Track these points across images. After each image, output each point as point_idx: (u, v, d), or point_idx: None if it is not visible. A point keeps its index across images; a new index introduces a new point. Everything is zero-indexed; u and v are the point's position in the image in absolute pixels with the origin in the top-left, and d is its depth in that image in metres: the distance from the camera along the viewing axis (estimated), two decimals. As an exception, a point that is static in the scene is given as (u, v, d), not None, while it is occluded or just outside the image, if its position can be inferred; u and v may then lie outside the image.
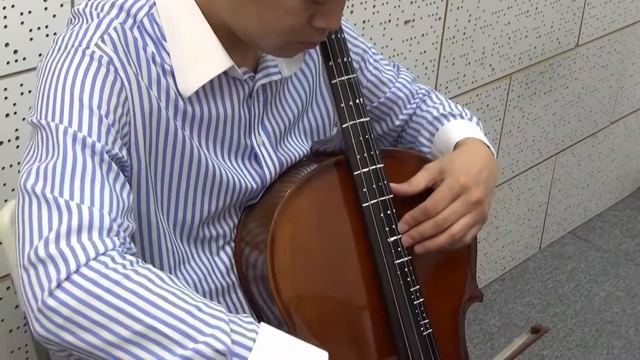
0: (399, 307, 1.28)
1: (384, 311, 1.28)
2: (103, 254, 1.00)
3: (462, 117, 1.45)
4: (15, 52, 1.52)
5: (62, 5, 1.55)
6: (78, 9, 1.20)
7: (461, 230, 1.27)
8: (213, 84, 1.21)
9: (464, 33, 2.41)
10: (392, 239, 1.27)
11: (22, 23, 1.51)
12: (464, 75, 2.49)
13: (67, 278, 0.98)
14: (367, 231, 1.27)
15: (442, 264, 1.37)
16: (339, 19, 1.18)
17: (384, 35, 2.17)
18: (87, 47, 1.13)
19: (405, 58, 2.26)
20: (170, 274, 1.25)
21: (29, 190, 1.05)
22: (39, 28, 1.53)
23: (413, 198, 1.29)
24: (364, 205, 1.26)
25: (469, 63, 2.48)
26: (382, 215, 1.27)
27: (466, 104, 2.52)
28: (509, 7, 2.53)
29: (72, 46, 1.13)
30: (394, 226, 1.27)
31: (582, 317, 2.86)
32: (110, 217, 1.04)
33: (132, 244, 1.06)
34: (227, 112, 1.24)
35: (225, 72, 1.21)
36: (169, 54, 1.18)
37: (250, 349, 1.00)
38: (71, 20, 1.21)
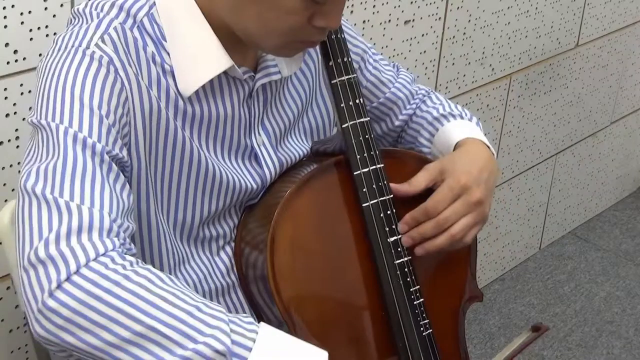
0: (399, 307, 1.28)
1: (383, 311, 1.28)
2: (103, 254, 1.00)
3: (462, 117, 1.45)
4: (15, 52, 1.52)
5: (62, 5, 1.55)
6: (78, 9, 1.20)
7: (461, 231, 1.27)
8: (213, 83, 1.21)
9: (464, 33, 2.41)
10: (392, 239, 1.27)
11: (22, 23, 1.51)
12: (464, 75, 2.48)
13: (67, 279, 0.98)
14: (367, 231, 1.27)
15: (442, 264, 1.37)
16: (339, 19, 1.18)
17: (384, 35, 2.17)
18: (87, 47, 1.13)
19: (405, 58, 2.26)
20: (171, 274, 1.25)
21: (29, 191, 1.05)
22: (39, 28, 1.53)
23: (413, 198, 1.29)
24: (364, 205, 1.26)
25: (469, 63, 2.48)
26: (382, 215, 1.27)
27: (466, 104, 2.52)
28: (509, 7, 2.53)
29: (72, 46, 1.13)
30: (394, 226, 1.27)
31: (582, 317, 2.86)
32: (110, 217, 1.04)
33: (132, 245, 1.06)
34: (227, 112, 1.24)
35: (225, 72, 1.21)
36: (169, 54, 1.18)
37: (250, 349, 1.00)
38: (71, 20, 1.21)
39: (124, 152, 1.13)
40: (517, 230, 3.02)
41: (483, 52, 2.51)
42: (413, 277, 1.28)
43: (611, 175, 3.44)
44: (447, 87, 2.44)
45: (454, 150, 1.38)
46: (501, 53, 2.58)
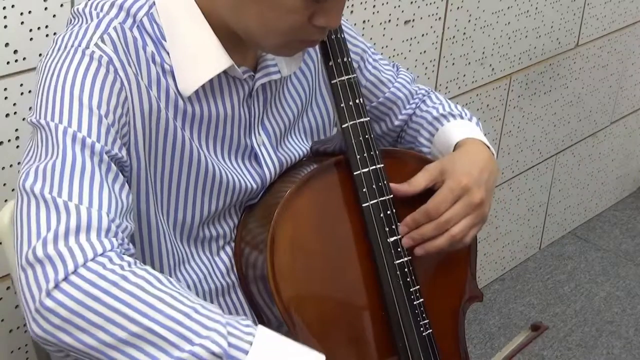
0: (398, 307, 1.28)
1: (383, 311, 1.28)
2: (101, 254, 1.00)
3: (461, 117, 1.45)
4: (15, 52, 1.52)
5: (62, 5, 1.55)
6: (78, 9, 1.20)
7: (461, 232, 1.27)
8: (213, 83, 1.21)
9: (464, 33, 2.41)
10: (392, 239, 1.27)
11: (22, 23, 1.51)
12: (464, 75, 2.48)
13: (65, 279, 0.98)
14: (367, 231, 1.26)
15: (442, 264, 1.37)
16: (340, 18, 1.18)
17: (384, 35, 2.17)
18: (87, 47, 1.12)
19: (405, 58, 2.26)
20: (170, 274, 1.25)
21: (28, 190, 1.04)
22: (39, 28, 1.53)
23: (413, 198, 1.29)
24: (364, 205, 1.26)
25: (469, 63, 2.48)
26: (382, 215, 1.26)
27: (466, 104, 2.52)
28: (509, 7, 2.53)
29: (72, 46, 1.13)
30: (394, 226, 1.27)
31: (582, 317, 2.86)
32: (109, 217, 1.04)
33: (131, 245, 1.06)
34: (227, 111, 1.24)
35: (225, 72, 1.21)
36: (168, 54, 1.18)
37: (246, 352, 1.00)
38: (71, 20, 1.20)
39: (123, 152, 1.12)
40: (517, 230, 3.01)
41: (483, 52, 2.51)
42: (413, 277, 1.28)
43: (611, 175, 3.44)
44: (447, 87, 2.44)
45: (453, 150, 1.38)
46: (501, 53, 2.58)
